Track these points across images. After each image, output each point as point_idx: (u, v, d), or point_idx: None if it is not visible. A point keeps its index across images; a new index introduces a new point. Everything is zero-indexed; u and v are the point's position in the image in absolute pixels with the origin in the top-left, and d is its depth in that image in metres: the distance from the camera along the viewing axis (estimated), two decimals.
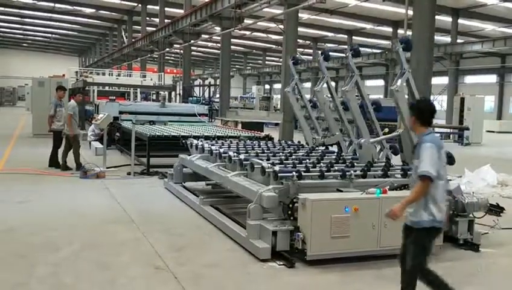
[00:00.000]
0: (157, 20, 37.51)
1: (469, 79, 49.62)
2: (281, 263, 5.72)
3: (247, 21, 24.71)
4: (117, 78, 26.56)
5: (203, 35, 30.74)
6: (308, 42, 50.52)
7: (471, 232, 6.66)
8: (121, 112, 16.16)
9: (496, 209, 8.78)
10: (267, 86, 62.46)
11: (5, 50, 76.63)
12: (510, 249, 6.82)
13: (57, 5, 44.27)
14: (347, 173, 6.48)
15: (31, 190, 9.54)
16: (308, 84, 58.41)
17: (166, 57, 43.51)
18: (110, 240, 6.47)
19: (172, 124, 15.29)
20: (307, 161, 7.37)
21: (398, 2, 28.67)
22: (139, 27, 42.09)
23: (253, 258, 5.87)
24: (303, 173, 6.27)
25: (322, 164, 7.16)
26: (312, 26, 42.97)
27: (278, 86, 70.06)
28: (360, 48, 8.77)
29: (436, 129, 25.77)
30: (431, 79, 13.71)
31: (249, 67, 63.83)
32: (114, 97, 16.99)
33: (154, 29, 36.67)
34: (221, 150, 8.24)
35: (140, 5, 41.24)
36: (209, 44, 49.55)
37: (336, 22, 40.35)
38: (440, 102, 46.61)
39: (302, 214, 5.67)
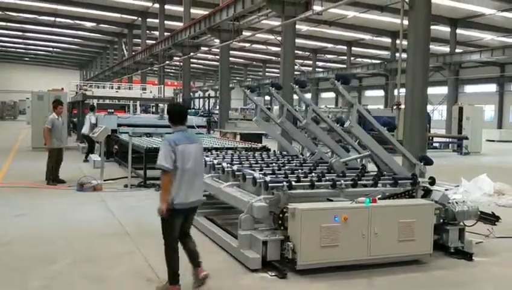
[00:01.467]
0: (157, 33, 37.75)
1: (469, 88, 49.75)
2: (273, 273, 5.73)
3: (246, 33, 24.86)
4: (116, 91, 26.71)
5: (202, 48, 30.91)
6: (307, 53, 50.77)
7: (462, 241, 6.68)
8: (119, 125, 16.24)
9: (490, 218, 8.78)
10: (267, 98, 62.57)
11: (6, 64, 77.19)
12: (503, 258, 6.80)
13: (58, 19, 44.61)
14: (337, 183, 6.49)
15: (28, 203, 9.57)
16: (308, 95, 58.54)
17: (167, 70, 43.74)
18: (104, 254, 6.49)
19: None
20: (299, 171, 7.38)
21: (396, 12, 28.81)
22: (140, 40, 42.36)
23: (245, 270, 5.88)
24: (293, 183, 6.30)
25: (313, 173, 7.17)
26: (311, 38, 43.23)
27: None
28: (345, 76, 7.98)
29: (436, 139, 25.89)
30: (427, 88, 13.77)
31: (249, 79, 64.01)
32: (112, 110, 17.06)
33: (154, 42, 36.91)
34: (215, 161, 8.25)
35: (140, 19, 41.55)
36: (209, 56, 49.84)
37: (335, 33, 40.55)
38: (440, 112, 46.76)
39: (292, 223, 5.71)
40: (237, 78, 70.16)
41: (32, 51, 68.88)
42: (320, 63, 56.89)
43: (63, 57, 72.54)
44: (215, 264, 6.09)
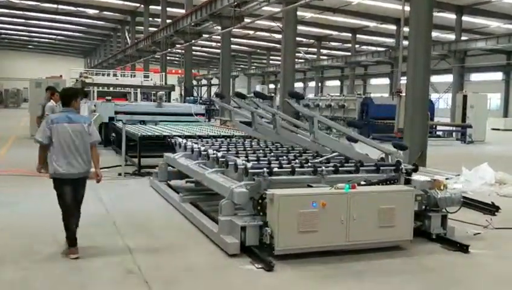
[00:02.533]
0: (160, 20, 37.46)
1: (474, 77, 49.21)
2: (259, 265, 5.54)
3: (247, 20, 24.53)
4: (117, 79, 26.47)
5: (204, 35, 30.60)
6: (312, 41, 50.31)
7: (444, 227, 6.64)
8: (116, 112, 16.04)
9: (490, 209, 8.55)
10: (271, 86, 62.25)
11: (10, 52, 77.12)
12: (502, 251, 6.57)
13: (60, 7, 44.36)
14: (318, 169, 6.43)
15: (21, 191, 9.44)
16: (312, 84, 58.22)
17: (171, 58, 43.49)
18: (87, 243, 6.28)
19: (167, 123, 15.13)
20: (284, 158, 7.29)
21: None
22: (143, 28, 42.06)
23: (231, 261, 5.70)
24: (274, 170, 6.24)
25: (297, 160, 7.11)
26: (315, 25, 42.78)
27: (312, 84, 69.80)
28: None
29: (439, 127, 25.59)
30: (429, 76, 13.53)
31: (254, 67, 63.63)
32: (110, 97, 16.87)
33: (156, 29, 36.61)
34: (202, 148, 8.19)
35: (142, 6, 41.23)
36: (214, 44, 49.45)
37: (339, 20, 40.09)
38: (446, 100, 46.30)
39: (270, 209, 5.70)
40: (241, 66, 69.79)
41: (36, 39, 68.72)
42: (324, 51, 56.42)
43: (67, 45, 72.37)
44: (200, 257, 5.93)
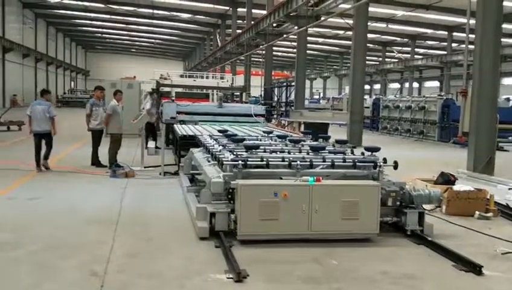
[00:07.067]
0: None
1: None
2: (230, 276, 5.14)
3: (322, 18, 23.94)
4: (194, 80, 26.88)
5: (285, 35, 30.31)
6: (406, 40, 48.30)
7: (421, 224, 6.79)
8: (178, 112, 16.18)
9: None
10: (367, 86, 60.71)
11: (115, 55, 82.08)
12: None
13: (156, 11, 46.32)
14: (293, 163, 6.80)
15: (51, 187, 9.73)
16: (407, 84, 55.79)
17: (256, 60, 43.68)
18: (75, 242, 6.25)
19: (223, 124, 14.99)
20: (275, 153, 7.61)
21: None
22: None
23: (206, 269, 5.34)
24: (249, 162, 6.70)
25: (284, 155, 7.40)
26: (408, 23, 40.94)
27: (377, 86, 67.87)
28: None
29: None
30: (498, 75, 12.17)
31: (345, 68, 62.26)
32: (173, 97, 17.10)
33: (240, 31, 36.96)
34: (208, 144, 8.71)
35: (231, 9, 41.84)
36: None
37: (433, 17, 38.03)
38: None
39: (236, 197, 6.21)
40: (334, 66, 68.72)
41: (137, 43, 72.45)
42: (421, 50, 53.92)
43: (165, 48, 75.60)
44: (178, 262, 5.62)
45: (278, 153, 7.69)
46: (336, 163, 7.07)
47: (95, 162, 12.32)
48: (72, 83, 76.24)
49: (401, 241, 6.62)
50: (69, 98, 56.80)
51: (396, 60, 51.78)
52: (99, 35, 69.15)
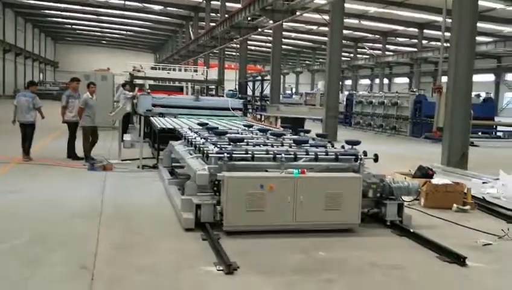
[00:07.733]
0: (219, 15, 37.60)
1: None
2: (220, 268, 5.17)
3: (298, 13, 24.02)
4: (168, 73, 26.68)
5: (259, 29, 30.31)
6: (377, 36, 48.84)
7: (400, 215, 7.02)
8: (153, 105, 16.05)
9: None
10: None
11: (86, 47, 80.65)
12: (504, 265, 5.77)
13: (127, 3, 45.66)
14: (277, 156, 6.95)
15: (30, 180, 9.57)
16: (377, 80, 56.44)
17: (231, 53, 43.56)
18: (60, 235, 6.19)
19: (201, 117, 14.95)
20: (258, 146, 7.77)
21: None
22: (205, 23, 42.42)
23: (195, 262, 5.36)
24: (234, 155, 6.80)
25: (263, 147, 7.63)
26: (380, 20, 41.39)
27: (348, 82, 68.59)
28: None
29: (500, 128, 23.91)
30: (472, 72, 12.45)
31: (318, 63, 62.69)
32: (149, 90, 16.94)
33: (214, 24, 36.77)
34: (190, 136, 8.73)
35: (204, 1, 41.56)
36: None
37: (405, 15, 38.56)
38: None
39: (222, 189, 6.28)
40: (306, 62, 69.05)
41: (108, 34, 71.34)
42: (392, 47, 54.60)
43: (136, 40, 74.65)
44: (166, 255, 5.62)
45: (262, 146, 7.81)
46: (319, 156, 7.23)
47: (71, 154, 12.17)
48: (41, 74, 74.58)
49: (382, 231, 6.84)
50: (39, 90, 55.49)
51: (368, 56, 52.35)
52: (70, 26, 67.84)
